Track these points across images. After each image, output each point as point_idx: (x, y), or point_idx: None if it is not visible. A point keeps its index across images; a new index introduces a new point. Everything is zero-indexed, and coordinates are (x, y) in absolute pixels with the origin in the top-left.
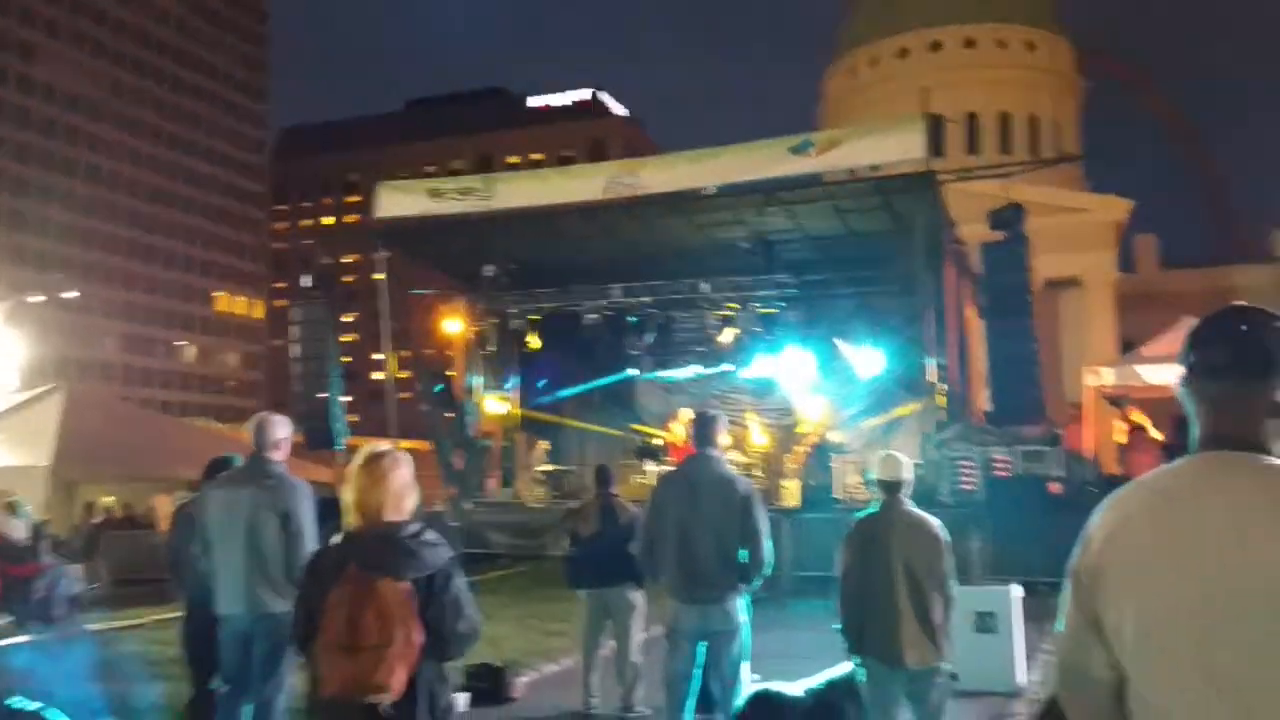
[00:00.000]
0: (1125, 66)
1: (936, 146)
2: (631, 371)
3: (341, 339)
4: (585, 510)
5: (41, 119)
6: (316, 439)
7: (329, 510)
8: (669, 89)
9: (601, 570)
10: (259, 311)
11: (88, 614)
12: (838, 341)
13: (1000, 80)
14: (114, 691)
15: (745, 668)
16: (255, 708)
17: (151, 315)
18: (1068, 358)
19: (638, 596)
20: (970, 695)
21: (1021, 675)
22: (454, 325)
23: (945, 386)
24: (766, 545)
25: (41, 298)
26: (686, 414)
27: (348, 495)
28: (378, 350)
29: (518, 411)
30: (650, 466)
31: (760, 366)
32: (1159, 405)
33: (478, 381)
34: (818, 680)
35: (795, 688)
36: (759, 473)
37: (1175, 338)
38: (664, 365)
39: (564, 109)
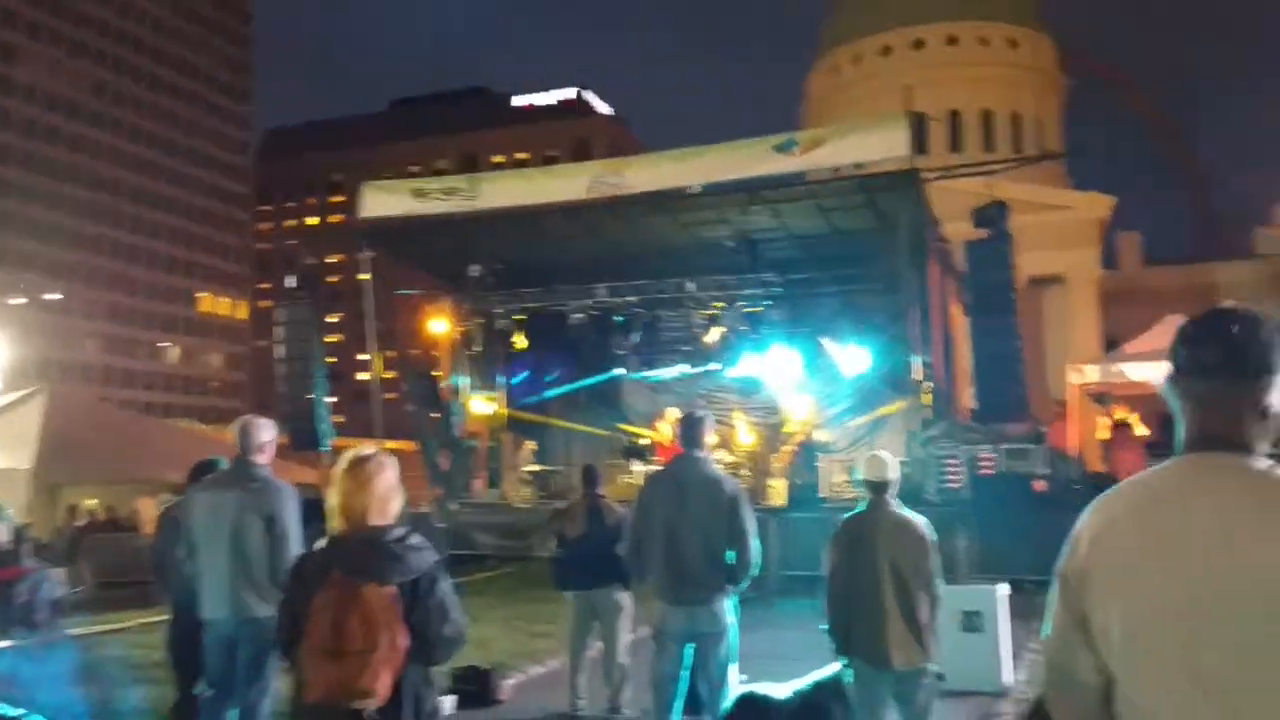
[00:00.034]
0: (1107, 64)
1: (920, 144)
2: (617, 371)
3: (326, 340)
4: (572, 511)
5: (22, 120)
6: (301, 440)
7: (314, 512)
8: (654, 88)
9: (588, 571)
10: (243, 312)
11: (71, 618)
12: (823, 340)
13: (983, 78)
14: (97, 696)
15: (733, 669)
16: (240, 712)
17: (135, 316)
18: (1051, 355)
19: (625, 598)
20: (957, 695)
21: (1008, 674)
22: (439, 325)
23: (930, 384)
24: (754, 545)
25: (23, 299)
26: (673, 413)
27: (332, 499)
28: (363, 351)
29: (504, 412)
30: (637, 466)
31: (746, 365)
32: (1142, 402)
33: (463, 381)
34: (805, 682)
35: (782, 689)
36: (746, 472)
37: (1158, 334)
38: (650, 365)
39: (548, 108)
